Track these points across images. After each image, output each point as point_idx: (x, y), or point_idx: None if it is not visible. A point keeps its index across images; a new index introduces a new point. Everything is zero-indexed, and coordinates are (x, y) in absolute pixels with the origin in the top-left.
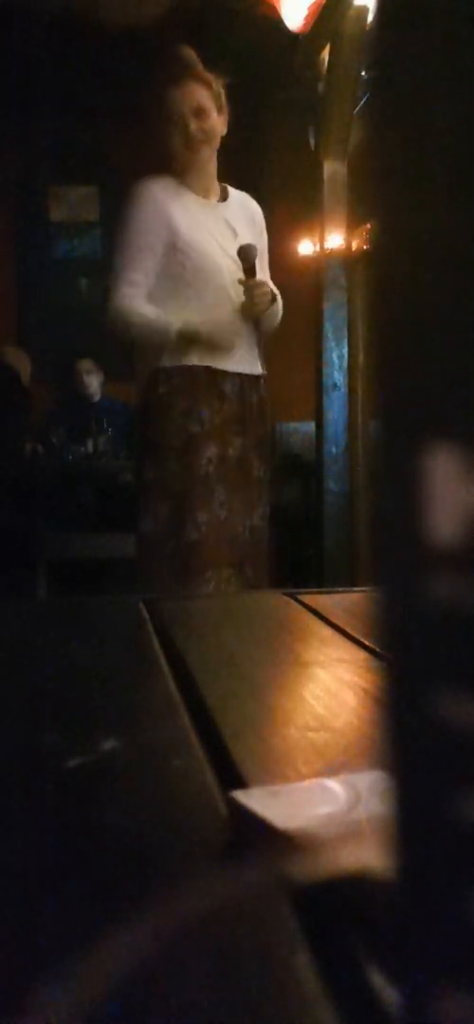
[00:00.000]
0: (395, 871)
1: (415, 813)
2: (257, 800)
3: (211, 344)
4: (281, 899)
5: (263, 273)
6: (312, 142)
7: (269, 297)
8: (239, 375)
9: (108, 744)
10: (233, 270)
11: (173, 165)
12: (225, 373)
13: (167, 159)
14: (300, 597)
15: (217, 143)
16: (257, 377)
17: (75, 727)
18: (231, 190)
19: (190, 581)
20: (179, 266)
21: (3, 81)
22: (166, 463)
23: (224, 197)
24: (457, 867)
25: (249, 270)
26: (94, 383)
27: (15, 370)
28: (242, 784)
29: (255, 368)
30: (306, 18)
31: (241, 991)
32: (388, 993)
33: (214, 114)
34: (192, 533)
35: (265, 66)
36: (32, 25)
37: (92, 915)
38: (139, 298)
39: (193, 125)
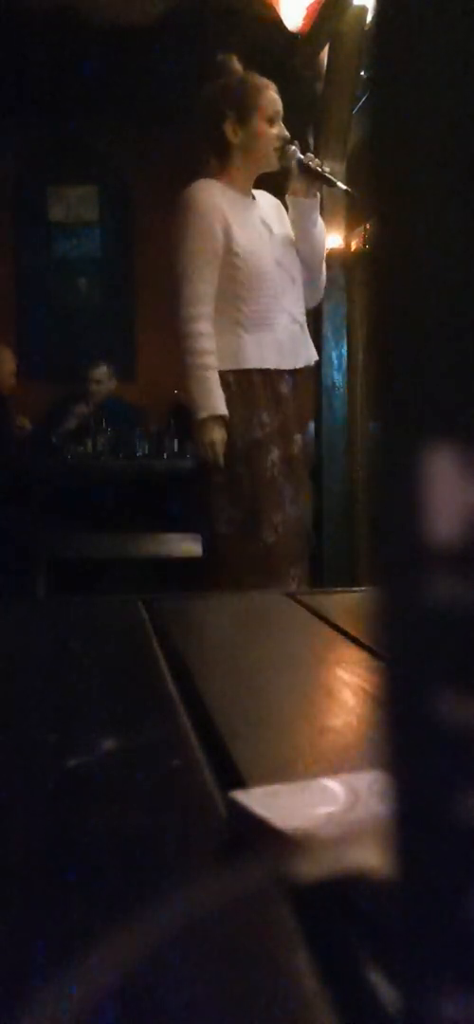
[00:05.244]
0: (395, 871)
1: (415, 813)
2: (257, 800)
3: (201, 441)
4: (281, 899)
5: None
6: (311, 142)
7: (290, 147)
8: (293, 372)
9: (107, 744)
10: (277, 271)
11: (229, 166)
12: (281, 373)
13: (223, 160)
14: (300, 597)
15: None
16: (308, 368)
17: (74, 727)
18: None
19: (271, 582)
20: (232, 268)
21: (2, 80)
22: (233, 467)
23: (253, 196)
24: (457, 867)
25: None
26: (104, 391)
27: None
28: (242, 784)
29: (310, 356)
30: (305, 18)
31: (241, 991)
32: (388, 993)
33: None
34: (269, 536)
35: (264, 66)
36: (32, 24)
37: (91, 915)
38: (209, 338)
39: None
